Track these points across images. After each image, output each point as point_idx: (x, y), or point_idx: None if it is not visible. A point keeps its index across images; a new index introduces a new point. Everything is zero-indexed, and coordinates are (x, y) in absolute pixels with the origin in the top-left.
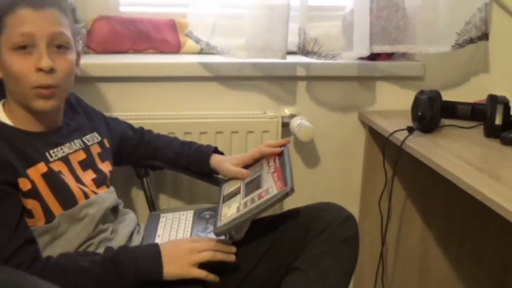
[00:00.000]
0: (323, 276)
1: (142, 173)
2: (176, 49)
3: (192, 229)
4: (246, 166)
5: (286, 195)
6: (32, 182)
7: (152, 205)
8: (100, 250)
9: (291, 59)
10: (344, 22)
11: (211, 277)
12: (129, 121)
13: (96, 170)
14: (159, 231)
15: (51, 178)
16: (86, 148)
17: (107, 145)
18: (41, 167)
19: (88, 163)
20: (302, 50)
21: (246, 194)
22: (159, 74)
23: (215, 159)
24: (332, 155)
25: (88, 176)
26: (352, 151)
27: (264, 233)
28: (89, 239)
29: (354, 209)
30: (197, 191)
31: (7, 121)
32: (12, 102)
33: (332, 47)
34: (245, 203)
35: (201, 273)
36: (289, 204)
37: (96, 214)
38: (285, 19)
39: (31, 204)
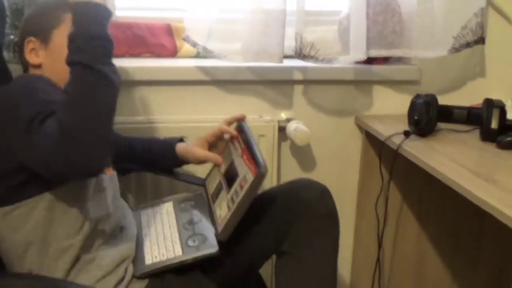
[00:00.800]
0: (314, 256)
1: None
2: (173, 53)
3: (177, 222)
4: (211, 147)
5: (263, 177)
6: None
7: None
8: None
9: (287, 63)
10: (340, 26)
11: None
12: (124, 125)
13: None
14: (144, 230)
15: None
16: None
17: None
18: None
19: None
20: (299, 54)
21: (229, 187)
22: (155, 78)
23: (180, 147)
24: (328, 159)
25: None
26: (348, 155)
27: (247, 218)
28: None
29: (350, 213)
30: (161, 188)
31: None
32: None
33: (328, 51)
34: (232, 198)
35: None
36: None
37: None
38: (281, 24)
39: None
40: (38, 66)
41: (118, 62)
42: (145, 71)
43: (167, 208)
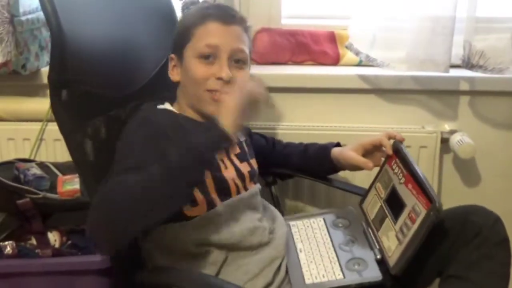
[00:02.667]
0: (487, 280)
1: (270, 181)
2: (335, 61)
3: (332, 241)
4: (366, 155)
5: (438, 212)
6: None
7: (281, 213)
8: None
9: (453, 72)
10: None
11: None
12: (285, 131)
13: (250, 164)
14: (298, 245)
15: (214, 169)
16: (240, 143)
17: (250, 144)
18: None
19: (243, 157)
20: (467, 64)
21: (395, 217)
22: (317, 86)
23: (335, 151)
24: (495, 174)
25: (245, 168)
26: None
27: None
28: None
29: None
30: (319, 196)
31: (176, 111)
32: (183, 105)
33: (499, 61)
34: (401, 230)
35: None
36: None
37: (249, 211)
38: (449, 31)
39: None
40: (178, 86)
41: (281, 69)
42: (307, 78)
43: (318, 224)
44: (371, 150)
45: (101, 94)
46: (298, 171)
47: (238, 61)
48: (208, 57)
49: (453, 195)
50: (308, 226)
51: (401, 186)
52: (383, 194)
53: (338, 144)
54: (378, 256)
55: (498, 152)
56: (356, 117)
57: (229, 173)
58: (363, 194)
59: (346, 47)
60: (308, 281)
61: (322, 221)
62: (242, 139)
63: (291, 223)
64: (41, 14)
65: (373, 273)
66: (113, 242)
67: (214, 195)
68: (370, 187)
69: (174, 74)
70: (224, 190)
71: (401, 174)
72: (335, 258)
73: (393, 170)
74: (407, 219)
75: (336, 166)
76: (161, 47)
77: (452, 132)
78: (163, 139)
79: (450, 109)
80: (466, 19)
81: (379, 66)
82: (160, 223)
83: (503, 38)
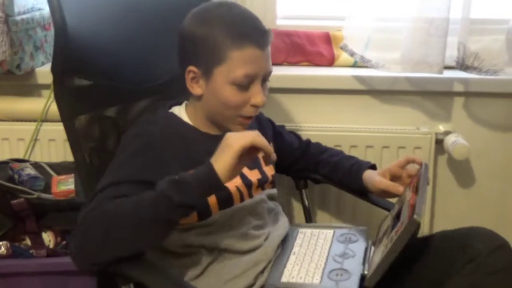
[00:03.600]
0: None
1: (301, 185)
2: (330, 62)
3: (329, 251)
4: (394, 179)
5: (414, 223)
6: None
7: (309, 217)
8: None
9: (448, 74)
10: (508, 35)
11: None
12: None
13: (261, 171)
14: (295, 248)
15: None
16: None
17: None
18: None
19: (254, 164)
20: (461, 65)
21: (392, 230)
22: (312, 86)
23: (366, 174)
24: (489, 176)
25: (254, 176)
26: (511, 172)
27: (404, 259)
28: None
29: (511, 234)
30: (343, 208)
31: (187, 120)
32: (199, 110)
33: (494, 62)
34: (386, 244)
35: (246, 139)
36: (440, 226)
37: (250, 218)
38: (443, 33)
39: None
40: (199, 98)
41: (276, 70)
42: (302, 79)
43: (326, 235)
44: (399, 173)
45: (108, 85)
46: (326, 179)
47: (265, 80)
48: (244, 86)
49: (448, 196)
50: (314, 235)
51: (407, 203)
52: (395, 212)
53: (373, 166)
54: (366, 272)
55: (493, 153)
56: (351, 118)
57: (232, 182)
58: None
59: (341, 48)
60: (284, 279)
61: (331, 234)
62: None
63: (301, 230)
64: (36, 14)
65: (349, 285)
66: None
67: (213, 204)
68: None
69: (195, 88)
70: (225, 198)
71: (411, 193)
72: (322, 266)
73: (410, 189)
74: (394, 232)
75: (363, 188)
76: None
77: (447, 133)
78: (155, 153)
79: (444, 111)
80: (461, 21)
81: (373, 67)
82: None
83: (497, 40)
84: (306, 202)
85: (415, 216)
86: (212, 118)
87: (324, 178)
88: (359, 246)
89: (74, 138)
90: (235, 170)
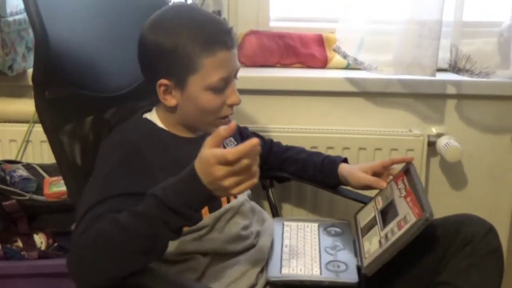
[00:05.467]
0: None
1: (267, 184)
2: (323, 64)
3: (319, 243)
4: (376, 175)
5: (426, 221)
6: None
7: (277, 215)
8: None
9: (440, 76)
10: (500, 38)
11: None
12: (274, 134)
13: None
14: (286, 241)
15: None
16: None
17: None
18: None
19: None
20: (453, 67)
21: (384, 224)
22: (305, 88)
23: (344, 168)
24: (480, 178)
25: None
26: (503, 175)
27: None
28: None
29: (503, 235)
30: (320, 203)
31: (162, 126)
32: (171, 117)
33: (486, 65)
34: (386, 236)
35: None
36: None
37: (237, 219)
38: (436, 35)
39: None
40: (173, 108)
41: (269, 72)
42: (296, 81)
43: (312, 228)
44: (380, 172)
45: (88, 95)
46: (296, 176)
47: (235, 77)
48: (220, 89)
49: (440, 198)
50: (301, 228)
51: (400, 199)
52: (380, 206)
53: (346, 159)
54: (359, 263)
55: (485, 155)
56: (343, 120)
57: None
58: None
59: (334, 50)
60: (284, 271)
61: (316, 227)
62: (232, 145)
63: (286, 223)
64: None
65: (350, 276)
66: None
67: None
68: (370, 200)
69: (169, 99)
70: (214, 200)
71: (403, 189)
72: (317, 258)
73: (397, 185)
74: (395, 226)
75: (340, 182)
76: None
77: (439, 135)
78: (140, 162)
79: (437, 113)
80: (453, 23)
81: (366, 69)
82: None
83: (489, 42)
84: (273, 201)
85: (427, 215)
86: (187, 123)
87: (291, 175)
88: (346, 239)
89: (59, 151)
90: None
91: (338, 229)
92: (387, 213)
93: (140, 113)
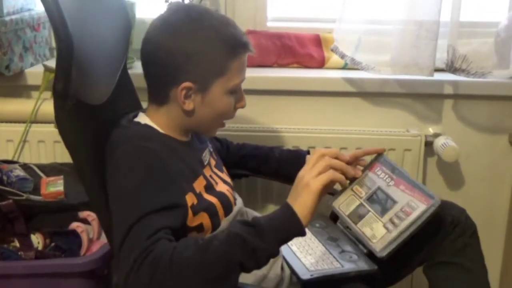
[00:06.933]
0: (473, 264)
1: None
2: (320, 64)
3: (317, 238)
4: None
5: (438, 207)
6: (198, 195)
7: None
8: None
9: (437, 76)
10: (497, 38)
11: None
12: (270, 134)
13: (224, 172)
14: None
15: (209, 188)
16: (211, 154)
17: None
18: (202, 180)
19: (219, 167)
20: (450, 67)
21: (383, 211)
22: (303, 88)
23: None
24: (477, 178)
25: (227, 177)
26: (500, 174)
27: None
28: None
29: (499, 235)
30: (272, 191)
31: (162, 131)
32: (170, 120)
33: (482, 65)
34: (391, 221)
35: (325, 177)
36: None
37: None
38: (433, 36)
39: (201, 217)
40: (189, 113)
41: (267, 72)
42: (293, 81)
43: None
44: (350, 162)
45: (88, 104)
46: (256, 172)
47: None
48: (236, 92)
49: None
50: None
51: (390, 187)
52: (363, 194)
53: (309, 152)
54: (366, 251)
55: (482, 155)
56: (341, 120)
57: (221, 187)
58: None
59: (332, 50)
60: (311, 268)
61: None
62: (212, 148)
63: None
64: (25, 15)
65: (369, 264)
66: None
67: (220, 212)
68: (343, 189)
69: (188, 103)
70: (227, 204)
71: (389, 179)
72: (328, 252)
73: (377, 175)
74: (400, 212)
75: None
76: (120, 49)
77: (436, 135)
78: (163, 171)
79: (434, 113)
80: (450, 24)
81: (364, 69)
82: None
83: (486, 43)
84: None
85: (438, 201)
86: (188, 127)
87: (251, 171)
88: (334, 229)
89: (84, 173)
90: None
91: (321, 222)
92: (380, 201)
93: (129, 118)
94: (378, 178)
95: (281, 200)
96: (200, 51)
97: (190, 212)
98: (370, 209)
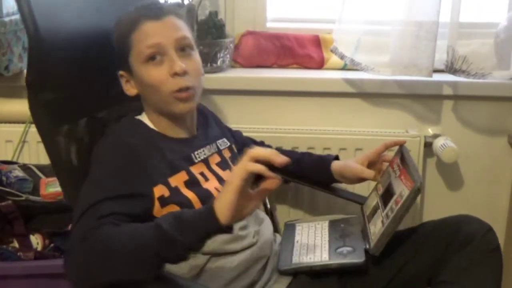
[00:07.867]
0: (478, 286)
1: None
2: (320, 64)
3: (329, 234)
4: (371, 166)
5: (418, 190)
6: (173, 189)
7: (271, 217)
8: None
9: (437, 77)
10: (497, 39)
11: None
12: (271, 134)
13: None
14: (297, 237)
15: (193, 183)
16: (219, 152)
17: (235, 150)
18: (183, 176)
19: (224, 165)
20: (450, 68)
21: (385, 206)
22: (302, 89)
23: (337, 163)
24: (477, 178)
25: (228, 176)
26: (499, 175)
27: (403, 245)
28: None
29: (500, 236)
30: (317, 203)
31: (153, 127)
32: (152, 113)
33: (482, 66)
34: (387, 215)
35: (241, 171)
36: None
37: None
38: (433, 36)
39: (170, 209)
40: (141, 98)
41: (266, 73)
42: (292, 82)
43: (322, 224)
44: (376, 160)
45: (81, 96)
46: (289, 176)
47: (184, 49)
48: (154, 58)
49: (437, 199)
50: (312, 227)
51: (396, 180)
52: (381, 191)
53: (337, 157)
54: (367, 246)
55: (481, 156)
56: (340, 120)
57: (211, 184)
58: (363, 201)
59: (331, 51)
60: (294, 260)
61: (327, 222)
62: (224, 146)
63: (297, 224)
64: None
65: (357, 257)
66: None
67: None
68: (372, 190)
69: (130, 89)
70: (209, 202)
71: (398, 169)
72: (327, 246)
73: (393, 169)
74: (393, 203)
75: (333, 179)
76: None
77: (436, 136)
78: (139, 164)
79: (433, 114)
80: (450, 24)
81: (363, 70)
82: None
83: (485, 44)
84: (267, 202)
85: (418, 184)
86: (162, 111)
87: (285, 174)
88: (355, 229)
89: (54, 153)
90: (241, 208)
91: (347, 222)
92: (387, 196)
93: (132, 114)
94: (392, 171)
95: (312, 205)
96: (115, 38)
97: (156, 203)
98: (379, 205)
